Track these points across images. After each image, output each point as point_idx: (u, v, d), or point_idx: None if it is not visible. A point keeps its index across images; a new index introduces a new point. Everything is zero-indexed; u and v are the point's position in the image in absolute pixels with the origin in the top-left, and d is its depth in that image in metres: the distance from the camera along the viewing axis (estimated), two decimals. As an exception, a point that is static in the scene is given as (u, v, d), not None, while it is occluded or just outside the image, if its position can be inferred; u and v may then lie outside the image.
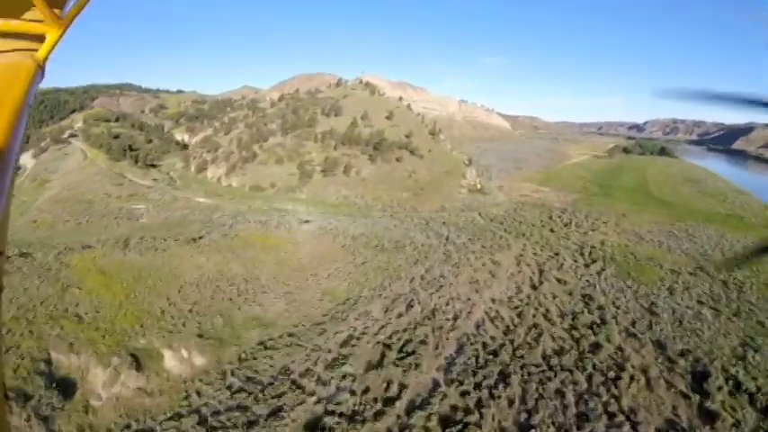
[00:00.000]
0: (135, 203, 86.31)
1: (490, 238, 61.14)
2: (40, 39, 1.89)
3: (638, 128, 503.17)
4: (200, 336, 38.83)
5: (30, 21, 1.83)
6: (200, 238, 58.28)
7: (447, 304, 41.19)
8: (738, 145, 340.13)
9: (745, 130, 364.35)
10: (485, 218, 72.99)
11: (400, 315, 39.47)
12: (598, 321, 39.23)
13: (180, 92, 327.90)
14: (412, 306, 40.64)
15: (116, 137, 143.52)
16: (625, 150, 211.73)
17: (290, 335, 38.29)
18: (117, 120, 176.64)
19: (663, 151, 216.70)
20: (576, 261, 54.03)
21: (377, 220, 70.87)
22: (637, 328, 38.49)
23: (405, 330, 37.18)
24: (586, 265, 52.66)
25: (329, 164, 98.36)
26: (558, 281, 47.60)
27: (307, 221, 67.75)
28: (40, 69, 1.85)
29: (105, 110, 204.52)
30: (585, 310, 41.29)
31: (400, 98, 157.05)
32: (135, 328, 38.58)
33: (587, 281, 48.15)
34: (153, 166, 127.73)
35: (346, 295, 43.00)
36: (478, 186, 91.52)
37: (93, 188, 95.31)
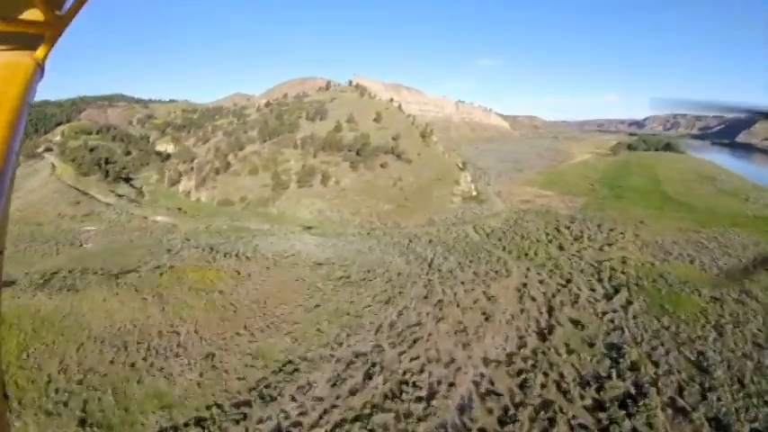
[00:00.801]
0: (87, 225, 74.73)
1: (485, 261, 48.54)
2: (38, 38, 1.84)
3: (638, 124, 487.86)
4: (82, 422, 26.88)
5: (28, 20, 1.77)
6: (129, 272, 46.29)
7: (421, 371, 28.69)
8: (741, 138, 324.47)
9: (747, 123, 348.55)
10: (480, 233, 60.36)
11: (354, 391, 27.07)
12: (633, 392, 26.70)
13: (172, 101, 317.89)
14: (371, 375, 28.18)
15: (92, 150, 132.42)
16: (629, 147, 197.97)
17: (198, 422, 26.13)
18: (99, 132, 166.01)
19: (668, 147, 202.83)
20: (593, 291, 41.30)
21: (350, 241, 58.59)
22: (686, 399, 26.08)
23: (356, 419, 24.85)
24: (608, 297, 39.93)
25: (305, 173, 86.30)
26: (574, 323, 34.89)
27: (265, 245, 55.59)
28: (40, 69, 1.82)
29: (91, 122, 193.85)
30: (614, 371, 28.67)
31: (391, 99, 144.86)
32: (12, 407, 27.71)
33: (612, 321, 35.44)
34: (127, 179, 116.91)
35: (284, 357, 30.62)
36: (474, 193, 78.94)
37: (47, 209, 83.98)
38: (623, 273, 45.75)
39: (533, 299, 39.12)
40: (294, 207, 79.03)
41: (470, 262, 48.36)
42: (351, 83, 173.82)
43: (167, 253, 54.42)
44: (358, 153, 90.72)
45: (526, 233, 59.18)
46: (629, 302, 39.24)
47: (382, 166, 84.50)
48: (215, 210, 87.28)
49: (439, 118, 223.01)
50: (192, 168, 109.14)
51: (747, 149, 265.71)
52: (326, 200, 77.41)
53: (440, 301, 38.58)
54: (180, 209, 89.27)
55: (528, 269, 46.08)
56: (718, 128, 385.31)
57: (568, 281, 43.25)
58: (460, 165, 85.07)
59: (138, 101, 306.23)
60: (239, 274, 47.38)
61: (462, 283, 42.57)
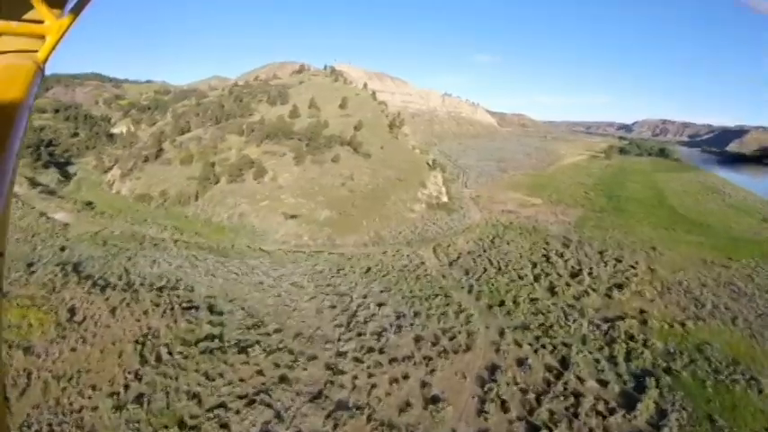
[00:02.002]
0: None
1: (438, 315, 31.21)
2: (40, 40, 1.82)
3: (626, 128, 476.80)
4: None
5: (30, 22, 1.76)
6: None
7: None
8: (732, 147, 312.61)
9: (737, 132, 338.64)
10: (441, 259, 42.98)
11: None
12: None
13: (149, 82, 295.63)
14: None
15: (40, 130, 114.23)
16: (622, 151, 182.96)
17: None
18: (57, 111, 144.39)
19: (662, 153, 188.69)
20: (604, 385, 24.39)
21: (255, 266, 40.84)
22: None
23: None
24: (628, 402, 23.12)
25: (240, 166, 67.92)
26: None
27: (144, 265, 37.74)
28: (40, 70, 1.81)
29: (53, 100, 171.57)
30: None
31: (365, 85, 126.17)
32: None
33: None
34: (65, 164, 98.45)
35: None
36: (443, 199, 61.59)
37: None
38: (646, 345, 28.93)
39: (504, 406, 21.94)
40: (213, 209, 60.75)
41: (415, 315, 30.94)
42: (326, 67, 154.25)
43: (20, 271, 36.56)
44: (309, 143, 72.46)
45: (505, 262, 41.97)
46: (663, 413, 22.52)
47: (334, 160, 66.48)
48: (127, 206, 68.75)
49: (423, 110, 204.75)
50: (125, 155, 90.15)
51: (739, 159, 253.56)
52: (254, 201, 59.23)
53: (338, 407, 21.14)
54: (89, 204, 70.26)
55: (502, 334, 28.85)
56: (707, 136, 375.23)
57: (564, 362, 26.21)
58: (430, 162, 67.58)
59: (113, 80, 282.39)
60: (72, 317, 29.89)
61: (391, 362, 25.20)
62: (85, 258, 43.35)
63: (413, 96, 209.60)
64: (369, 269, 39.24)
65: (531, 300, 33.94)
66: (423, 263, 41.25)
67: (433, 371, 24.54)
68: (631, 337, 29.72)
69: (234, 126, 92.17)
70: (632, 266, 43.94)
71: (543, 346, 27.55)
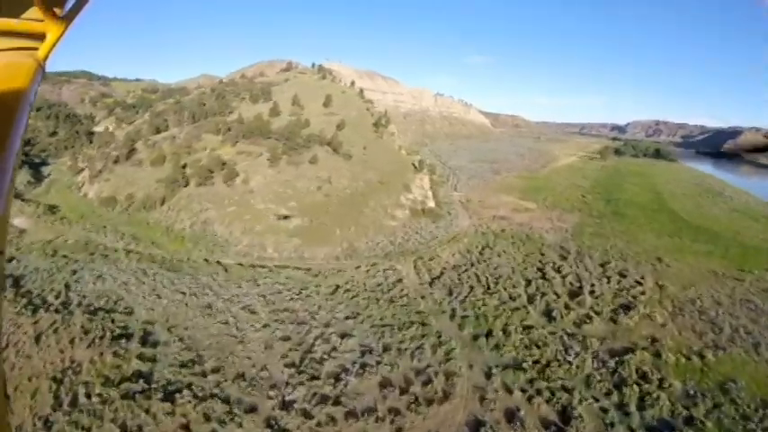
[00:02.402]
0: None
1: (412, 349, 25.79)
2: (40, 38, 1.81)
3: (620, 129, 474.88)
4: None
5: (30, 20, 1.75)
6: None
7: None
8: (725, 148, 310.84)
9: (731, 133, 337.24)
10: (422, 275, 37.57)
11: None
12: None
13: (138, 80, 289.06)
14: None
15: None
16: (617, 152, 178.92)
17: None
18: (39, 109, 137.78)
19: (658, 153, 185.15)
20: (618, 449, 19.07)
21: (205, 284, 35.28)
22: None
23: None
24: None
25: (211, 167, 62.31)
26: None
27: (87, 281, 32.10)
28: (41, 68, 1.80)
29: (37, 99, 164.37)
30: None
31: (352, 83, 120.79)
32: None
33: None
34: (41, 164, 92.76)
35: None
36: (430, 204, 56.21)
37: None
38: (661, 387, 23.83)
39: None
40: (177, 215, 55.08)
41: (384, 350, 25.52)
42: (313, 65, 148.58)
43: None
44: (286, 143, 66.86)
45: (494, 279, 36.66)
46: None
47: (311, 161, 60.89)
48: (91, 211, 63.15)
49: (415, 110, 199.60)
50: (97, 155, 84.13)
51: (733, 160, 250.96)
52: (221, 206, 53.57)
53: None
54: (53, 208, 64.37)
55: (489, 375, 23.50)
56: (701, 137, 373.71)
57: (564, 414, 20.92)
58: (417, 164, 62.19)
59: (102, 78, 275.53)
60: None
61: (347, 417, 19.79)
62: (30, 271, 38.26)
63: (404, 96, 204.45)
64: (336, 289, 33.73)
65: (525, 328, 28.61)
66: (400, 280, 35.79)
67: (399, 431, 19.12)
68: (644, 376, 24.52)
69: (211, 125, 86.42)
70: (638, 282, 38.86)
71: (539, 392, 22.24)
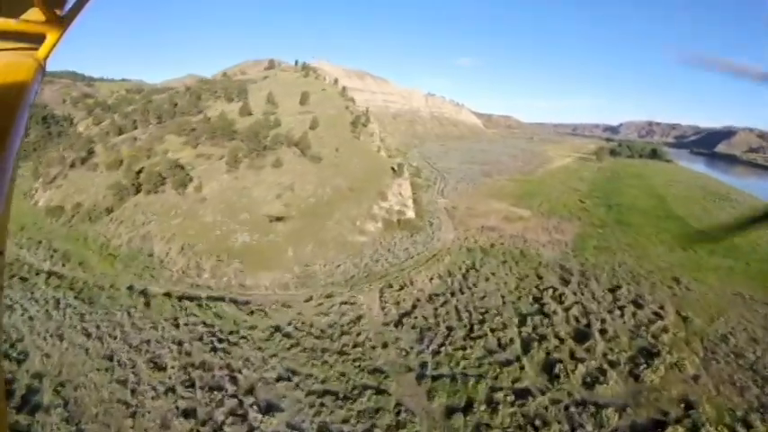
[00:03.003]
0: None
1: (355, 440, 17.76)
2: (40, 38, 1.80)
3: (612, 130, 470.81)
4: None
5: (30, 21, 1.74)
6: None
7: None
8: (720, 149, 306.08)
9: (724, 133, 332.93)
10: (389, 310, 29.51)
11: None
12: None
13: (124, 80, 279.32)
14: None
15: None
16: (612, 153, 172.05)
17: None
18: None
19: (654, 154, 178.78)
20: None
21: (84, 329, 27.17)
22: None
23: None
24: None
25: (161, 174, 54.18)
26: None
27: None
28: (41, 69, 1.80)
29: None
30: None
31: (335, 80, 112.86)
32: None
33: None
34: None
35: None
36: (408, 215, 48.26)
37: None
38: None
39: None
40: (117, 228, 46.96)
41: (315, 443, 17.40)
42: (297, 62, 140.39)
43: None
44: (251, 144, 58.75)
45: (479, 315, 28.72)
46: None
47: (275, 165, 52.78)
48: (33, 222, 55.53)
49: (405, 110, 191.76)
50: (58, 158, 75.59)
51: (729, 161, 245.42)
52: (166, 219, 45.43)
53: None
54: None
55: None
56: (694, 137, 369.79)
57: None
58: (395, 167, 54.13)
59: (87, 78, 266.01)
60: None
61: None
62: None
63: (394, 96, 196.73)
64: (274, 332, 25.63)
65: (518, 394, 20.69)
66: (359, 318, 27.73)
67: None
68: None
69: (175, 125, 78.07)
70: (657, 314, 31.13)
71: None
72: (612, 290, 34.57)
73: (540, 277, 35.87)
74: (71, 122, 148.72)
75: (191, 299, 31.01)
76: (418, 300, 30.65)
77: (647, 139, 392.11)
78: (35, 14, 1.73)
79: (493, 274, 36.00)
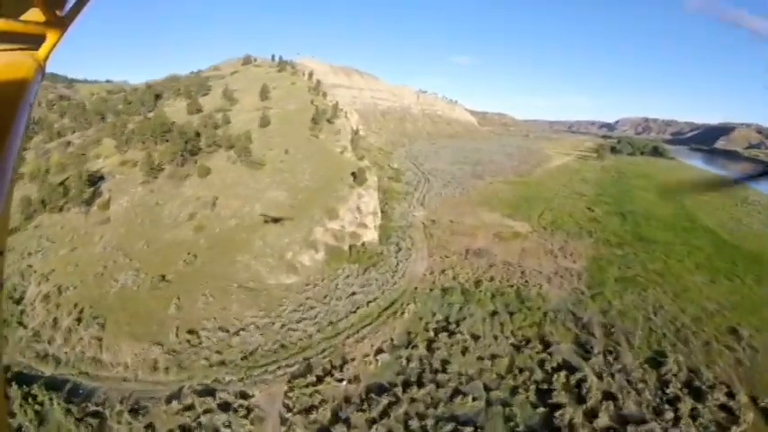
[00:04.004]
0: None
1: None
2: (40, 39, 1.77)
3: (609, 126, 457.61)
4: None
5: (30, 21, 1.71)
6: None
7: None
8: (719, 145, 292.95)
9: (723, 129, 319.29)
10: (293, 426, 16.69)
11: None
12: None
13: (108, 81, 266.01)
14: None
15: None
16: (613, 150, 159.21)
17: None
18: None
19: (656, 151, 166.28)
20: None
21: None
22: None
23: None
24: None
25: (70, 186, 41.53)
26: None
27: None
28: (41, 69, 1.77)
29: None
30: None
31: (310, 74, 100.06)
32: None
33: None
34: None
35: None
36: (368, 236, 35.48)
37: None
38: None
39: None
40: (7, 259, 33.57)
41: None
42: (273, 58, 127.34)
43: None
44: (184, 147, 46.00)
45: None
46: None
47: (203, 174, 40.15)
48: None
49: (395, 108, 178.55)
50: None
51: (730, 157, 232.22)
52: (59, 246, 32.92)
53: None
54: None
55: None
56: (691, 133, 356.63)
57: None
58: (357, 173, 41.25)
59: (70, 80, 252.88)
60: None
61: None
62: None
63: (384, 93, 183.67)
64: None
65: None
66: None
67: None
68: None
69: (110, 127, 65.39)
70: (726, 407, 18.58)
71: None
72: (654, 362, 21.93)
73: (545, 343, 23.19)
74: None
75: (23, 381, 18.41)
76: (347, 401, 17.93)
77: (644, 135, 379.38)
78: (35, 15, 1.68)
79: (475, 338, 23.30)
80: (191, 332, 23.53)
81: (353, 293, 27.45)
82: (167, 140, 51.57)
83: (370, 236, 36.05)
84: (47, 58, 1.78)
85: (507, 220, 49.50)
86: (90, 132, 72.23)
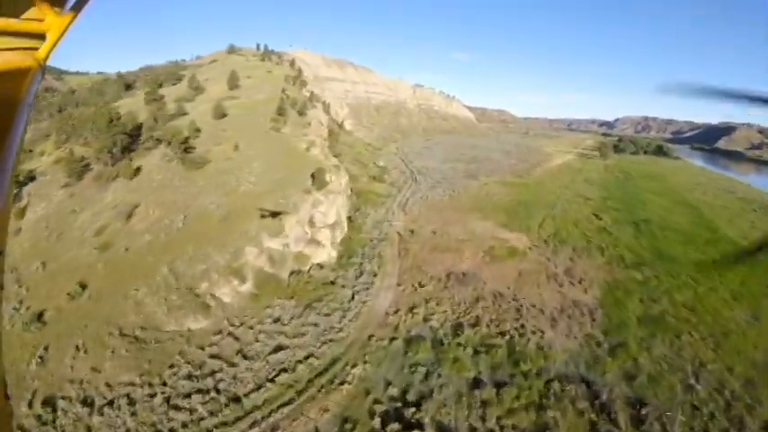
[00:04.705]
0: None
1: None
2: (40, 38, 1.72)
3: (608, 125, 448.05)
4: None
5: (30, 20, 1.66)
6: None
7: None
8: (721, 145, 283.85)
9: (724, 129, 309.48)
10: None
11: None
12: None
13: (101, 73, 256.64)
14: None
15: None
16: (615, 148, 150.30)
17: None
18: None
19: (659, 150, 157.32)
20: None
21: None
22: None
23: None
24: None
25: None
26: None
27: None
28: (41, 68, 1.73)
29: None
30: None
31: (291, 62, 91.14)
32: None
33: None
34: None
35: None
36: (318, 258, 26.96)
37: None
38: None
39: None
40: None
41: None
42: (258, 47, 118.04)
43: None
44: (123, 143, 37.49)
45: None
46: None
47: (129, 175, 31.82)
48: None
49: (390, 102, 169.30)
50: None
51: (733, 157, 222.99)
52: None
53: None
54: None
55: None
56: (691, 133, 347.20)
57: None
58: (316, 174, 32.88)
59: (61, 72, 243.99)
60: None
61: None
62: None
63: (379, 87, 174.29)
64: None
65: None
66: None
67: None
68: None
69: (58, 121, 56.90)
70: None
71: None
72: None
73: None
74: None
75: None
76: None
77: (644, 134, 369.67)
78: (35, 14, 1.63)
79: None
80: (46, 402, 15.64)
81: (279, 347, 19.11)
82: (111, 135, 43.04)
83: (324, 256, 27.67)
84: (47, 57, 1.71)
85: (502, 232, 41.07)
86: (43, 126, 63.82)
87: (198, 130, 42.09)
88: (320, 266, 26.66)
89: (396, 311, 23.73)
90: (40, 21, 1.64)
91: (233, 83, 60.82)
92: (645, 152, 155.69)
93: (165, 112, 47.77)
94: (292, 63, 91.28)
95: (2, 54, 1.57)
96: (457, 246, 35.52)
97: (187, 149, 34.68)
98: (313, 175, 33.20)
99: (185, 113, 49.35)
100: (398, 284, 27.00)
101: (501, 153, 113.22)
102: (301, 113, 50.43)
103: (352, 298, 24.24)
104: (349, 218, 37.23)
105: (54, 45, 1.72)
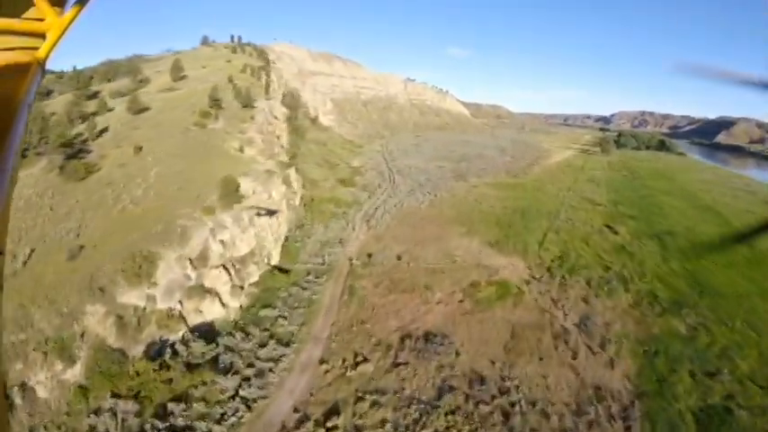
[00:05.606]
0: None
1: None
2: (41, 37, 1.71)
3: (605, 120, 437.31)
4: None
5: (31, 20, 1.66)
6: None
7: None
8: (720, 139, 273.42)
9: (721, 123, 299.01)
10: None
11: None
12: None
13: (74, 69, 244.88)
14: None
15: None
16: (616, 143, 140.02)
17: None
18: None
19: (662, 145, 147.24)
20: None
21: None
22: None
23: None
24: None
25: None
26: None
27: None
28: (41, 68, 1.72)
29: None
30: None
31: (260, 52, 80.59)
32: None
33: None
34: None
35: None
36: (206, 318, 16.71)
37: None
38: None
39: None
40: None
41: None
42: (232, 38, 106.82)
43: None
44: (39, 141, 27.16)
45: None
46: None
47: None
48: None
49: (380, 97, 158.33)
50: None
51: (734, 152, 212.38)
52: None
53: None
54: None
55: None
56: (689, 127, 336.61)
57: None
58: (223, 185, 23.00)
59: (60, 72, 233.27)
60: None
61: None
62: None
63: (368, 81, 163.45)
64: None
65: None
66: None
67: None
68: None
69: None
70: None
71: None
72: None
73: None
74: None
75: None
76: None
77: (641, 129, 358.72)
78: (36, 14, 1.62)
79: None
80: None
81: None
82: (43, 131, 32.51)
83: (215, 312, 17.65)
84: (47, 57, 1.68)
85: (490, 255, 30.95)
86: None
87: (104, 130, 31.88)
88: (205, 331, 16.66)
89: (301, 422, 13.66)
90: (41, 20, 1.59)
91: (176, 74, 50.45)
92: (647, 147, 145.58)
93: (81, 109, 37.46)
94: (261, 53, 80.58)
95: (2, 54, 1.51)
96: (426, 281, 25.41)
97: (77, 154, 24.62)
98: (222, 187, 22.98)
99: (111, 110, 39.03)
100: (322, 361, 16.92)
101: (495, 150, 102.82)
102: (247, 106, 40.21)
103: (235, 395, 14.17)
104: (285, 239, 27.16)
105: (54, 45, 1.66)
